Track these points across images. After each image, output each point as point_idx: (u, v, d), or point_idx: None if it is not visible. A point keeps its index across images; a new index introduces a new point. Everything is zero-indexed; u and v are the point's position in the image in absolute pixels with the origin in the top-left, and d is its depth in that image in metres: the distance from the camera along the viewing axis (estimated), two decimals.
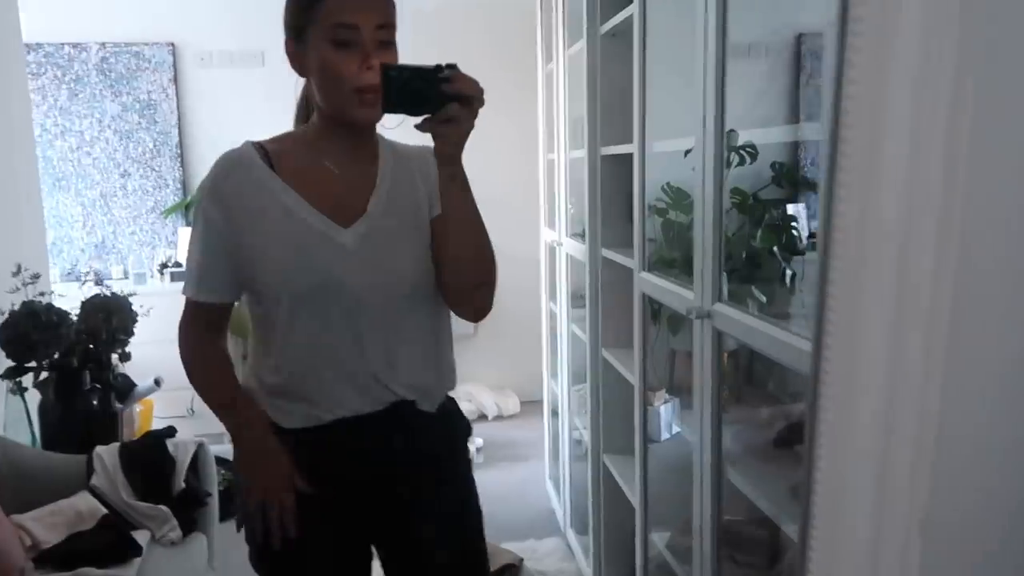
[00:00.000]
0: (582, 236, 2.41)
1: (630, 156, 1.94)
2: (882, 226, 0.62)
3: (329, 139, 1.22)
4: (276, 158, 1.21)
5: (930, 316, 0.64)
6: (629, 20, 1.86)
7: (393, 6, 1.18)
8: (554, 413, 3.10)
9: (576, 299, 2.63)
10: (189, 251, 1.25)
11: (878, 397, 0.67)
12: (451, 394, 1.36)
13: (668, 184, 1.85)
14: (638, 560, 1.96)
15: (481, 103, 1.10)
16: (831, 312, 0.64)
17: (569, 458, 2.77)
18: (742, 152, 1.60)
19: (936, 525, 0.69)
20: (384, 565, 1.37)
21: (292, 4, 1.19)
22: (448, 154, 1.13)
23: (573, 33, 2.44)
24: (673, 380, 1.98)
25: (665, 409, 2.06)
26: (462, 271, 1.22)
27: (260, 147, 1.22)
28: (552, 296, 2.98)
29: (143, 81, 4.06)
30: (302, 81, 1.25)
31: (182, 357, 1.31)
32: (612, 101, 2.14)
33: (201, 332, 1.29)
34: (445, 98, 1.08)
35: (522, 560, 2.47)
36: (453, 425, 1.35)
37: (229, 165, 1.20)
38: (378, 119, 1.19)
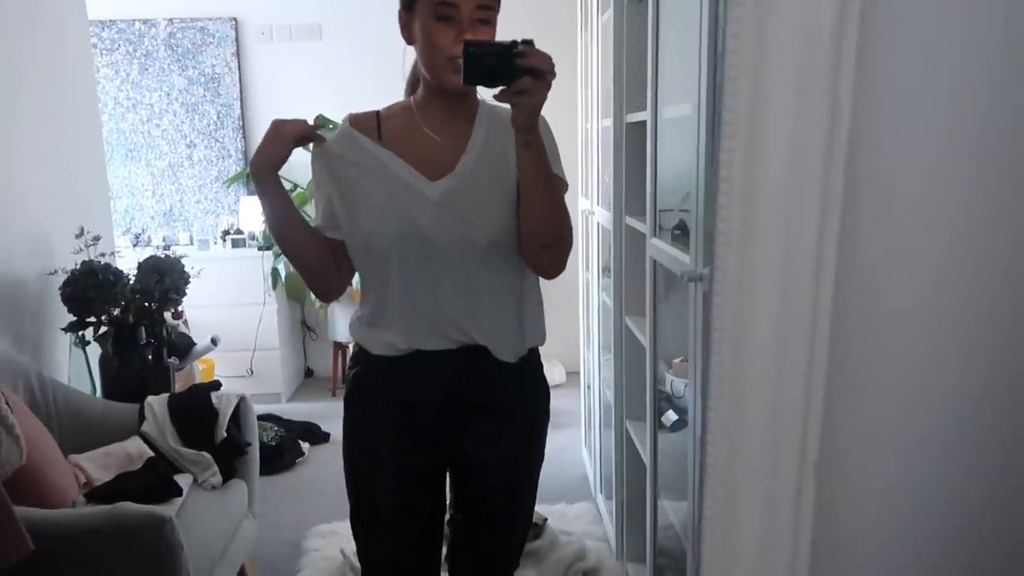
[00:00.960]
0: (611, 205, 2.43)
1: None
2: (767, 186, 0.65)
3: (430, 105, 1.38)
4: (384, 122, 1.40)
5: (816, 272, 0.66)
6: None
7: None
8: (588, 383, 3.14)
9: (606, 267, 2.66)
10: (316, 203, 1.44)
11: (767, 355, 0.69)
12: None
13: None
14: (648, 522, 2.00)
15: (553, 76, 1.20)
16: (720, 273, 0.67)
17: (600, 425, 2.82)
18: None
19: (831, 465, 0.71)
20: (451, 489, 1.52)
21: None
22: (522, 123, 1.23)
23: (605, 0, 2.44)
24: None
25: None
26: (534, 231, 1.33)
27: (375, 114, 1.41)
28: (586, 265, 3.01)
29: (208, 55, 4.24)
30: (410, 57, 1.39)
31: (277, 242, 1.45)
32: (638, 68, 2.14)
33: None
34: (519, 71, 1.18)
35: (546, 520, 2.53)
36: (531, 380, 1.47)
37: (339, 141, 1.39)
38: (462, 88, 1.30)
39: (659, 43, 1.75)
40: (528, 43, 1.19)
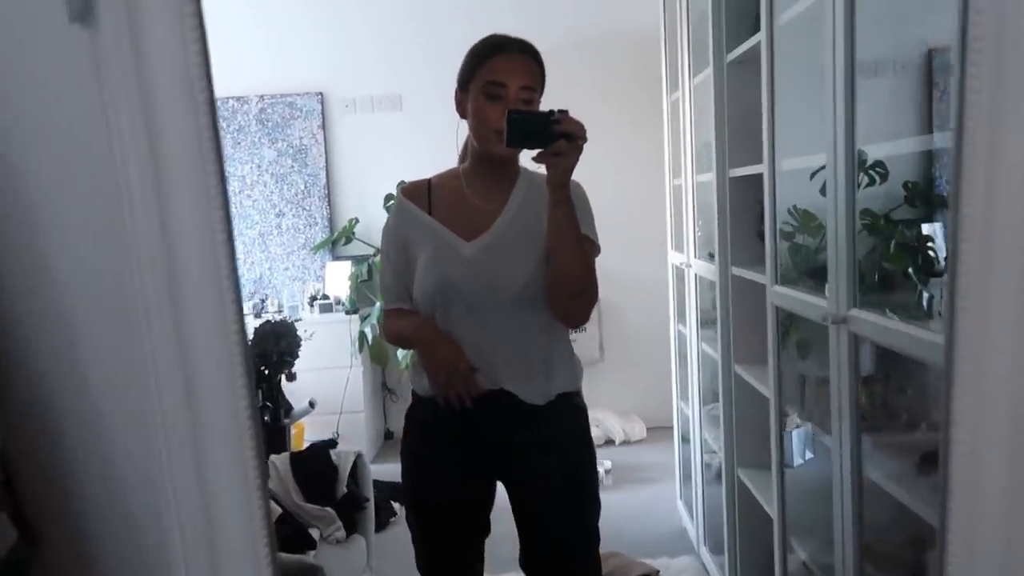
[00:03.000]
0: (710, 257, 2.49)
1: (755, 178, 2.04)
2: (1007, 219, 0.70)
3: (476, 172, 1.57)
4: (434, 189, 1.59)
5: None
6: (755, 47, 1.95)
7: (540, 75, 1.51)
8: (684, 436, 3.15)
9: (705, 318, 2.70)
10: (381, 275, 1.67)
11: (1006, 378, 0.74)
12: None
13: (794, 207, 1.89)
14: (777, 570, 1.99)
15: (584, 140, 1.37)
16: (961, 300, 0.72)
17: (702, 478, 2.81)
18: (871, 172, 1.63)
19: None
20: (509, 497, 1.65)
21: (464, 61, 1.54)
22: (556, 182, 1.40)
23: (698, 63, 2.54)
24: (804, 405, 1.97)
25: (797, 434, 2.09)
26: (562, 282, 1.47)
27: (427, 182, 1.61)
28: (681, 318, 3.05)
29: (295, 128, 4.47)
30: (463, 131, 1.59)
31: (388, 338, 1.70)
32: (739, 125, 2.22)
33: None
34: (555, 136, 1.35)
35: (658, 572, 2.52)
36: (563, 421, 1.57)
37: (395, 212, 1.61)
38: (505, 156, 1.50)
39: (774, 103, 1.83)
40: (563, 111, 1.36)
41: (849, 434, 1.49)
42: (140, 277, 0.69)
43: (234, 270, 0.75)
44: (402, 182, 4.51)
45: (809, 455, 2.06)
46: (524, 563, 1.64)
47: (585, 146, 1.38)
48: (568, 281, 1.46)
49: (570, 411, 1.58)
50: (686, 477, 3.12)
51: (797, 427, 2.08)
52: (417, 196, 1.58)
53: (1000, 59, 0.69)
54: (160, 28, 0.63)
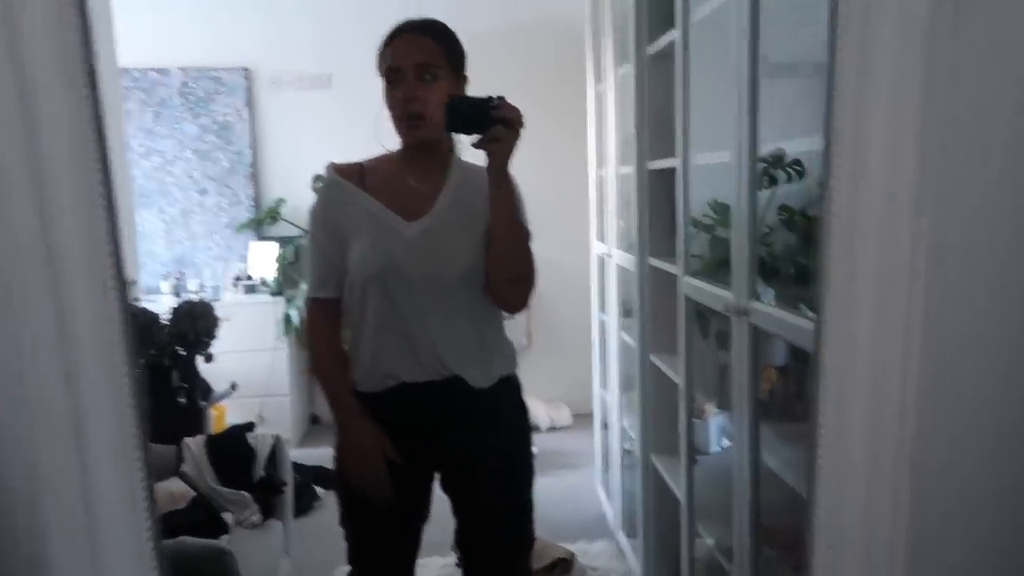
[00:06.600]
0: (630, 248, 2.54)
1: (675, 170, 2.09)
2: (870, 212, 0.75)
3: (409, 158, 1.56)
4: (369, 172, 1.57)
5: (909, 293, 0.76)
6: (673, 43, 2.00)
7: (439, 50, 1.47)
8: (604, 423, 3.21)
9: (626, 308, 2.75)
10: (308, 261, 1.62)
11: (869, 363, 0.79)
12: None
13: (715, 200, 1.95)
14: (683, 554, 2.06)
15: (522, 126, 1.38)
16: (829, 297, 0.77)
17: (620, 464, 2.88)
18: (788, 169, 1.69)
19: (922, 463, 0.81)
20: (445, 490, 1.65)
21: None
22: (496, 167, 1.42)
23: (622, 55, 2.58)
24: (724, 395, 2.03)
25: (715, 422, 2.17)
26: (503, 266, 1.49)
27: (359, 164, 1.58)
28: (602, 307, 3.10)
29: (220, 104, 4.35)
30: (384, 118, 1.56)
31: (308, 345, 1.63)
32: (659, 118, 2.27)
33: (322, 324, 1.58)
34: (493, 122, 1.36)
35: (574, 555, 2.58)
36: (506, 401, 1.60)
37: (327, 191, 1.57)
38: (416, 141, 1.50)
39: (688, 98, 1.87)
40: (501, 98, 1.38)
41: (748, 422, 1.55)
42: (15, 247, 0.68)
43: (115, 240, 0.74)
44: (331, 163, 4.52)
45: (726, 443, 2.13)
46: (460, 542, 1.66)
47: None
48: (510, 265, 1.49)
49: (513, 391, 1.62)
50: (606, 463, 3.19)
51: (715, 415, 2.16)
52: (351, 175, 1.55)
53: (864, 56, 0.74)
54: None
